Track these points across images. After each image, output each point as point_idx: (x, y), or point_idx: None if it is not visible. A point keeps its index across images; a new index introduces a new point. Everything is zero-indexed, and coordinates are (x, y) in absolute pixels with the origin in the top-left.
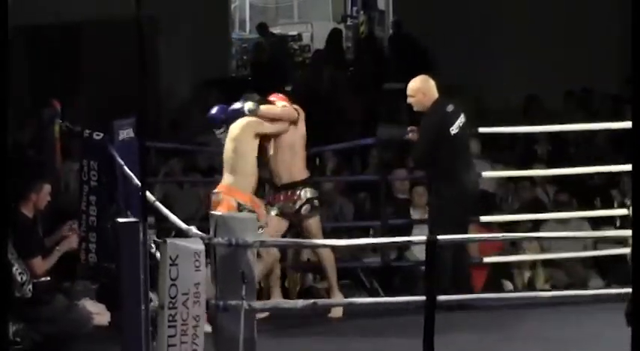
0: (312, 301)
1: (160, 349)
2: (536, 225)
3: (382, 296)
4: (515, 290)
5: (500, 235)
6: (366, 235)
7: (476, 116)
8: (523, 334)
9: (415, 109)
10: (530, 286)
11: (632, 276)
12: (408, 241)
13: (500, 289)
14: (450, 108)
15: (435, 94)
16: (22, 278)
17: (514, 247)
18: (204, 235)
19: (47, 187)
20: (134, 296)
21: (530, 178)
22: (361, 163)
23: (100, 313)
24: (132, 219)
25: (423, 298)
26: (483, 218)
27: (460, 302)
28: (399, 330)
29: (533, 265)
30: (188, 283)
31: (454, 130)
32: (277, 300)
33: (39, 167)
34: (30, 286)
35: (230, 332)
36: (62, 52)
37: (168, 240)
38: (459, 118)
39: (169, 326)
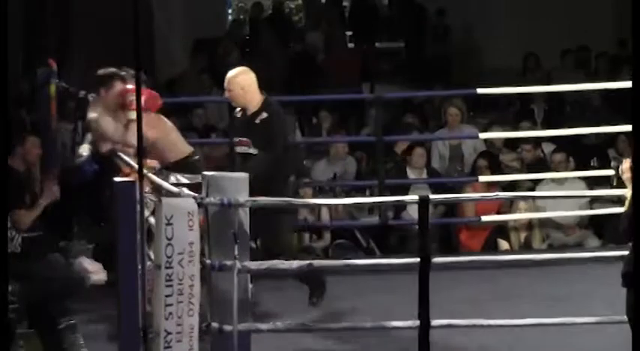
0: (307, 262)
1: (158, 309)
2: (535, 184)
3: (378, 255)
4: (511, 250)
5: (493, 194)
6: (364, 195)
7: (475, 74)
8: (516, 293)
9: (234, 104)
10: (527, 245)
11: (632, 276)
12: (401, 200)
13: (497, 249)
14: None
15: (257, 89)
16: (11, 233)
17: (511, 206)
18: (196, 194)
19: (32, 140)
20: (130, 255)
21: (531, 139)
22: (356, 122)
23: (97, 272)
24: (128, 179)
25: (418, 259)
26: (482, 178)
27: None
28: (394, 288)
29: (529, 225)
30: (183, 243)
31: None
32: (273, 261)
33: (23, 122)
34: (19, 241)
35: (223, 292)
36: (57, 12)
37: (164, 199)
38: None
39: (166, 286)
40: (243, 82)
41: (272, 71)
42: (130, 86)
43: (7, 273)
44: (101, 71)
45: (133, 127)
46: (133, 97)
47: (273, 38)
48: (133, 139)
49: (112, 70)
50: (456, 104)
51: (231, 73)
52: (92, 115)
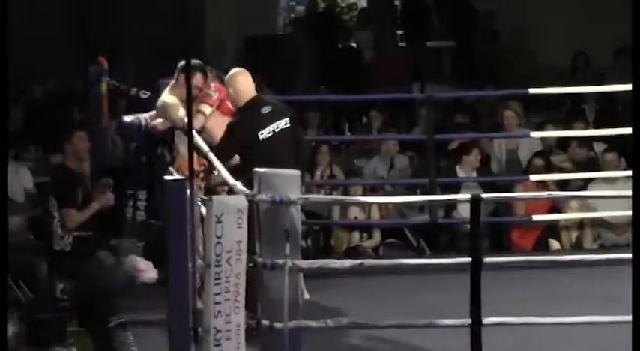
0: (358, 261)
1: (207, 307)
2: (586, 184)
3: (428, 255)
4: (562, 249)
5: (545, 194)
6: (415, 194)
7: (525, 75)
8: (568, 293)
9: (231, 105)
10: (578, 245)
11: (632, 276)
12: (453, 199)
13: (548, 249)
14: (266, 109)
15: (249, 91)
16: (62, 231)
17: (563, 206)
18: (248, 191)
19: (79, 135)
20: (181, 253)
21: (583, 138)
22: (407, 122)
23: (147, 270)
24: (179, 176)
25: (469, 259)
26: (533, 177)
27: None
28: (444, 287)
29: (580, 224)
30: (231, 241)
31: (264, 134)
32: (324, 260)
33: (73, 120)
34: (70, 240)
35: (274, 290)
36: (109, 11)
37: (214, 197)
38: (277, 122)
39: (215, 284)
40: (233, 83)
41: (317, 69)
42: (211, 82)
43: (7, 272)
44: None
45: (197, 118)
46: (209, 93)
47: (320, 36)
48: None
49: (198, 61)
50: (512, 107)
51: (229, 73)
52: (164, 96)
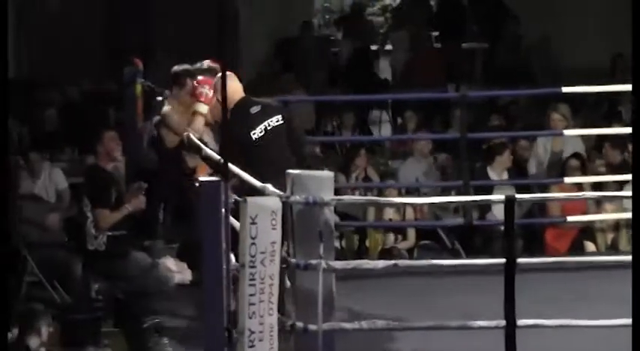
0: (392, 262)
1: (242, 308)
2: (621, 186)
3: (463, 257)
4: (598, 251)
5: (580, 194)
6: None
7: (561, 75)
8: (602, 294)
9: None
10: (614, 247)
11: (632, 276)
12: (487, 200)
13: (583, 251)
14: (255, 109)
15: (237, 93)
16: (95, 231)
17: (598, 208)
18: (281, 193)
19: (110, 134)
20: (215, 255)
21: (618, 140)
22: (442, 123)
23: (181, 272)
24: (213, 178)
25: (503, 260)
26: (568, 180)
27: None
28: (480, 289)
29: (616, 226)
30: (265, 242)
31: (256, 133)
32: (358, 260)
33: (102, 121)
34: (104, 239)
35: (308, 291)
36: (144, 11)
37: (249, 199)
38: (268, 120)
39: (250, 285)
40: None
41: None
42: (200, 77)
43: (8, 271)
44: (174, 68)
45: (197, 119)
46: (203, 89)
47: (352, 37)
48: (194, 129)
49: (184, 67)
50: (560, 110)
51: (215, 78)
52: (165, 108)
